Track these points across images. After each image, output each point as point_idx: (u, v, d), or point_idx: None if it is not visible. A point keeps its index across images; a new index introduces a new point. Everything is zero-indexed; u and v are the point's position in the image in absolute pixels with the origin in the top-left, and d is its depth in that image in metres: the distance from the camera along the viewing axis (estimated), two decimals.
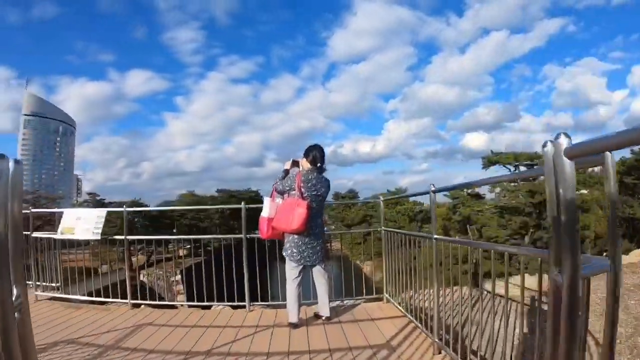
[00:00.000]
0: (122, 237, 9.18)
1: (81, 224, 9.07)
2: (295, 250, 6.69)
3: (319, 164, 6.85)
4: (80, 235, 8.95)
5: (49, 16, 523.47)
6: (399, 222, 65.13)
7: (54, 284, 9.88)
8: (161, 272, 65.02)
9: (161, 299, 54.23)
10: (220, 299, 8.72)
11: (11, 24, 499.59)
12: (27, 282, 10.55)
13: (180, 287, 63.19)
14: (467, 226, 54.89)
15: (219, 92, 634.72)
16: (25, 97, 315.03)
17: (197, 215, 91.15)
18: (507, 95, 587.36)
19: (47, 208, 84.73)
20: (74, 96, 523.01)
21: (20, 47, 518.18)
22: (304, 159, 6.93)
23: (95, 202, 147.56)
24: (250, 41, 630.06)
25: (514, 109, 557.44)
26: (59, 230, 9.22)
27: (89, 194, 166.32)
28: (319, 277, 6.97)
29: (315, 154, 6.83)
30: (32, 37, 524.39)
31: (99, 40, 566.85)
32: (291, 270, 6.81)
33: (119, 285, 8.97)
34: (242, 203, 9.41)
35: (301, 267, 6.77)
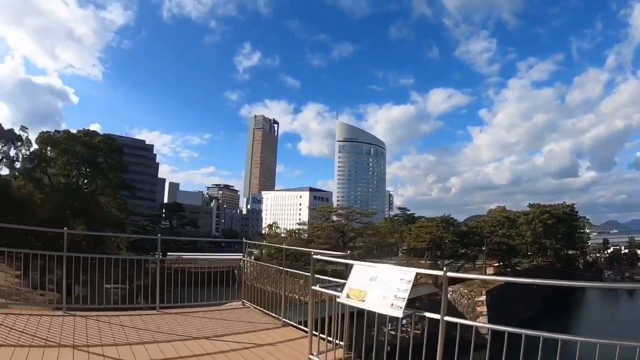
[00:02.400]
0: (438, 316, 6.22)
1: (376, 287, 6.71)
2: None
3: None
4: (373, 305, 6.58)
5: (347, 54, 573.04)
6: None
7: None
8: (466, 291, 64.32)
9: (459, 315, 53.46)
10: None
11: (316, 67, 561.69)
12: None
13: (484, 308, 61.38)
14: None
15: (522, 99, 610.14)
16: (337, 126, 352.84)
17: (507, 232, 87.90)
18: None
19: (360, 222, 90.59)
20: (382, 120, 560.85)
21: (327, 84, 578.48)
22: None
23: (406, 215, 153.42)
24: (544, 39, 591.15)
25: None
26: (345, 291, 7.20)
27: (400, 208, 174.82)
28: None
29: None
30: (335, 74, 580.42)
31: (397, 66, 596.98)
32: None
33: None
34: None
35: None
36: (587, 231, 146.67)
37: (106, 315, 10.61)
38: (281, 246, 14.51)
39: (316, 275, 8.84)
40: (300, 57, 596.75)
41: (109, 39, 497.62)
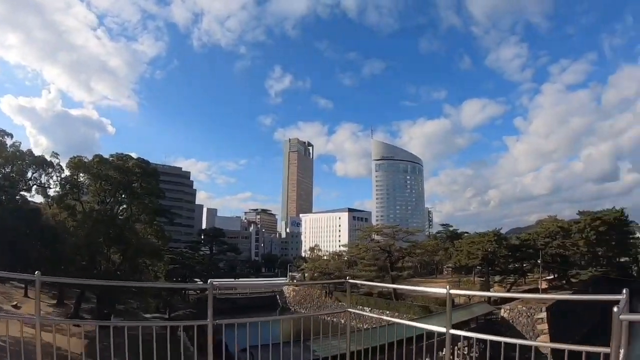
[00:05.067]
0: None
1: None
2: None
3: None
4: None
5: (378, 71, 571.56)
6: None
7: None
8: (524, 308, 60.39)
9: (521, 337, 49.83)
10: None
11: (348, 86, 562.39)
12: None
13: (545, 326, 57.52)
14: None
15: (557, 104, 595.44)
16: (372, 145, 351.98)
17: (562, 243, 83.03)
18: None
19: (406, 240, 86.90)
20: (417, 136, 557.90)
21: (360, 103, 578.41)
22: None
23: (449, 232, 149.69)
24: (575, 39, 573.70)
25: None
26: None
27: (442, 225, 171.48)
28: None
29: None
30: (367, 93, 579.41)
31: (429, 80, 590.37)
32: None
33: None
34: None
35: None
36: (639, 236, 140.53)
37: None
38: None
39: None
40: (331, 77, 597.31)
41: (141, 70, 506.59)
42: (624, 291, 4.12)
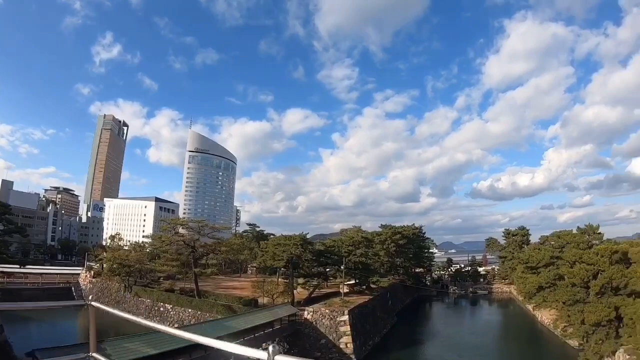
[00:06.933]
0: None
1: None
2: None
3: None
4: None
5: (211, 62, 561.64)
6: None
7: None
8: (327, 311, 60.91)
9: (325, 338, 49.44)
10: None
11: (177, 71, 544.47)
12: None
13: (347, 327, 58.75)
14: None
15: (375, 127, 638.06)
16: (189, 136, 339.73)
17: (364, 252, 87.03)
18: None
19: (212, 237, 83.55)
20: (235, 134, 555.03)
21: (185, 90, 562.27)
22: None
23: (255, 232, 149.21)
24: (404, 74, 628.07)
25: None
26: None
27: (249, 224, 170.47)
28: None
29: None
30: (196, 82, 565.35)
31: (259, 82, 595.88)
32: None
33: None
34: None
35: None
36: (434, 251, 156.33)
37: None
38: None
39: None
40: (163, 58, 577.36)
41: None
42: None
